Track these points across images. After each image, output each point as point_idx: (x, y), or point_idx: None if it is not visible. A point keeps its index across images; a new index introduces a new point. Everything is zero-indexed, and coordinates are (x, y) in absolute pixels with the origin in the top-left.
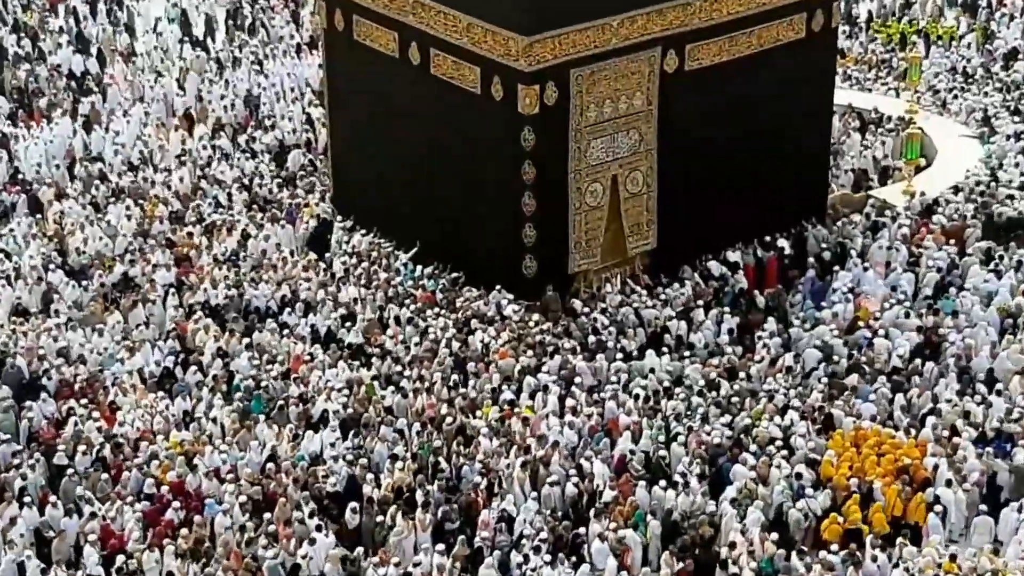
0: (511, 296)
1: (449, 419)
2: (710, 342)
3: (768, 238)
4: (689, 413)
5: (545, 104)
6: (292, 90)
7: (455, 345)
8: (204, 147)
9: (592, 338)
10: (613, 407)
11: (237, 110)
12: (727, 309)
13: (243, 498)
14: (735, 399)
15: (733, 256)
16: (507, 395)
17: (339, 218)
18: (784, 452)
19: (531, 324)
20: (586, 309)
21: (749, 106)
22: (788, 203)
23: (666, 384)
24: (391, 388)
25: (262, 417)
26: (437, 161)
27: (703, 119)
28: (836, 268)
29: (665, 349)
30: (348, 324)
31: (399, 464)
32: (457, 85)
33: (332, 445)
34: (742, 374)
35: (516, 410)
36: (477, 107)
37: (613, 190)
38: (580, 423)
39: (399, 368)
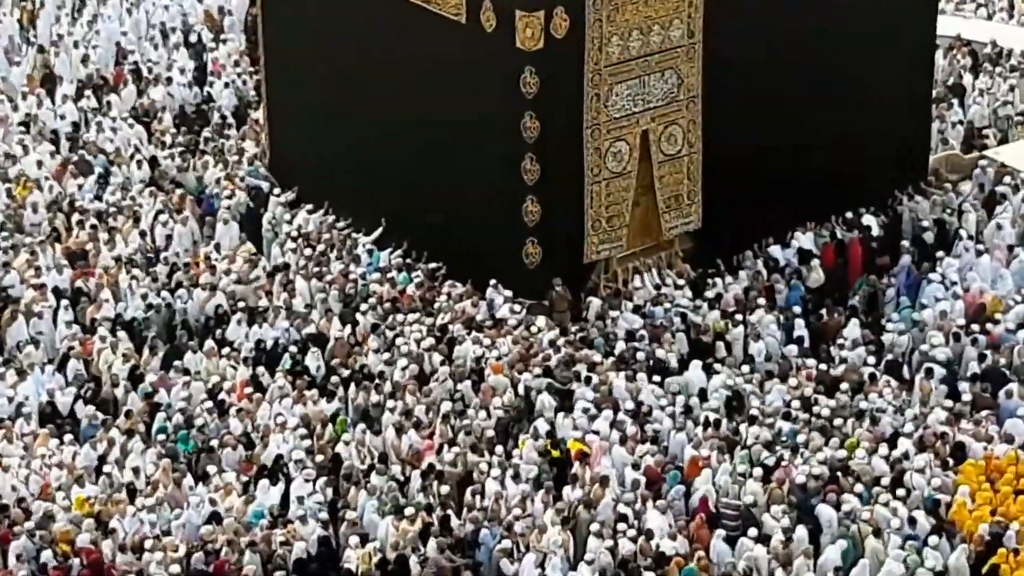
0: (508, 293)
1: (453, 462)
2: (774, 353)
3: (850, 215)
4: (783, 440)
5: (552, 37)
6: (173, 31)
7: (437, 359)
8: (61, 116)
9: (622, 346)
10: (682, 439)
11: (98, 59)
12: (797, 309)
13: (175, 568)
14: (836, 422)
15: (804, 239)
16: (542, 425)
17: (276, 191)
18: (897, 491)
19: (534, 331)
20: (613, 313)
21: (823, 39)
22: (876, 168)
23: (753, 408)
24: (362, 425)
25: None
26: (409, 114)
27: (762, 57)
28: (940, 253)
29: (714, 360)
30: (300, 338)
31: (404, 523)
32: (435, 12)
33: (300, 500)
34: (844, 386)
35: (535, 441)
36: (462, 41)
37: (643, 151)
38: (640, 461)
39: (378, 398)
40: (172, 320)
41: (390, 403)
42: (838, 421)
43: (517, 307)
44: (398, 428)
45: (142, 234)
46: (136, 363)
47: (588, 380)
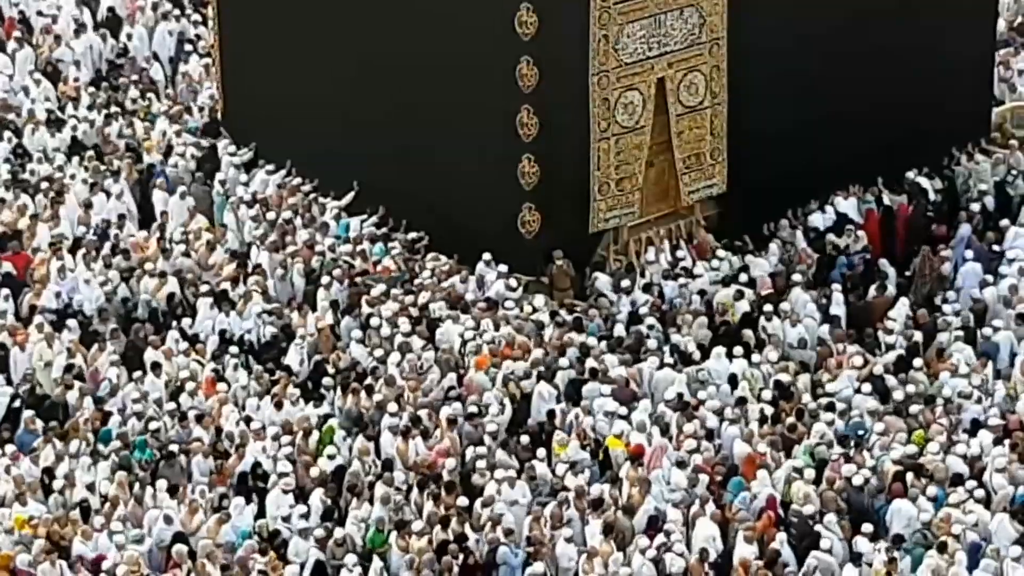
0: (503, 268)
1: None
2: (810, 338)
3: (905, 176)
4: (862, 435)
5: None
6: None
7: (417, 343)
8: None
9: (619, 328)
10: (735, 433)
11: None
12: (837, 287)
13: None
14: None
15: (845, 205)
16: (574, 419)
17: (232, 148)
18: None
19: (528, 310)
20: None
21: None
22: (930, 122)
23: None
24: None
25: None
26: (387, 60)
27: None
28: (1005, 222)
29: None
30: (271, 328)
31: (415, 541)
32: None
33: (286, 518)
34: (917, 362)
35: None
36: None
37: (659, 102)
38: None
39: (379, 398)
40: (130, 311)
41: (388, 406)
42: (913, 408)
43: (513, 283)
44: (403, 432)
45: (88, 205)
46: (73, 360)
47: (595, 372)
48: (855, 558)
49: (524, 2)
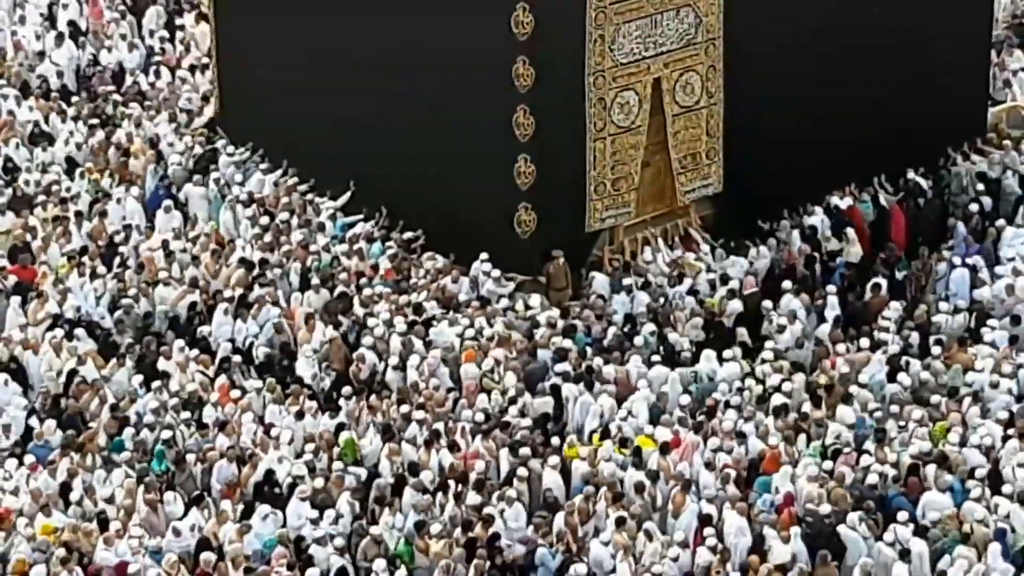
0: (488, 267)
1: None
2: (804, 336)
3: (905, 175)
4: (904, 425)
5: None
6: None
7: (419, 344)
8: None
9: (611, 329)
10: (748, 429)
11: None
12: (832, 288)
13: None
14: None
15: (841, 204)
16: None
17: (229, 148)
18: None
19: (520, 308)
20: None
21: None
22: (926, 122)
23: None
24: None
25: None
26: (382, 60)
27: None
28: (1001, 222)
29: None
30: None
31: (432, 543)
32: None
33: (315, 522)
34: (937, 350)
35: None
36: None
37: (655, 102)
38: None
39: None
40: (148, 322)
41: (406, 415)
42: (935, 398)
43: (496, 273)
44: (425, 443)
45: (102, 214)
46: (79, 368)
47: (591, 370)
48: (903, 554)
49: (520, 2)
